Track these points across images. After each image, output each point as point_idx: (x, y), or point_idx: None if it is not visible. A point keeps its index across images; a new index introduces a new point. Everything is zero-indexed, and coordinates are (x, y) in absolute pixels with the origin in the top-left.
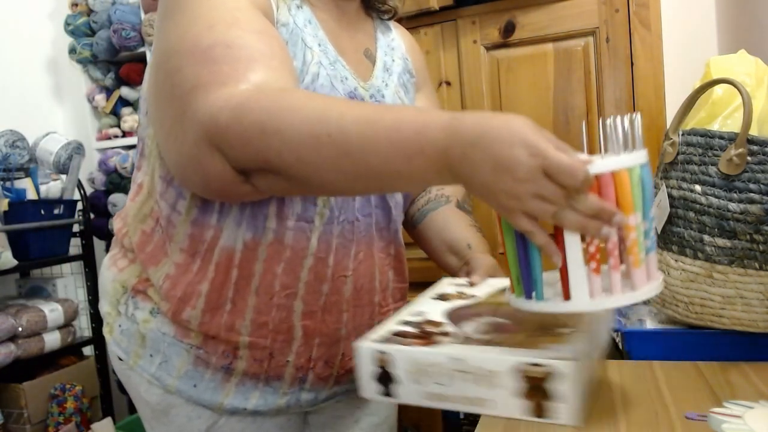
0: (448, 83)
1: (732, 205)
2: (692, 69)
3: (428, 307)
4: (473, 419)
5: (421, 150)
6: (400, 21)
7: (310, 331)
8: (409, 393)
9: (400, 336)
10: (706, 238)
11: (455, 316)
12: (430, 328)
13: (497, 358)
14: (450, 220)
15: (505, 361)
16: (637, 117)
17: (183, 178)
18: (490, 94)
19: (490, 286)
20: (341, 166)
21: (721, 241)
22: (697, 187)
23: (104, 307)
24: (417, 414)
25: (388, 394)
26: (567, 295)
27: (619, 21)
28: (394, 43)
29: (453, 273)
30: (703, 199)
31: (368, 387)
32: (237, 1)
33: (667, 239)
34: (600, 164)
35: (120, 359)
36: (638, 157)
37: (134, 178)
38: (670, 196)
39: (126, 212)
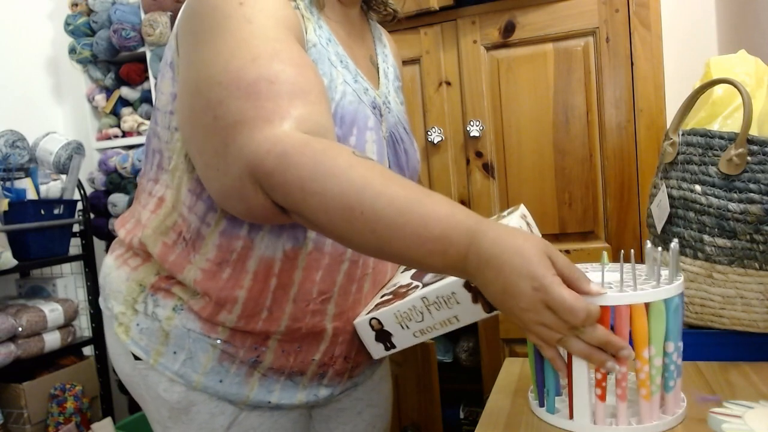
0: (448, 83)
1: (732, 205)
2: (692, 69)
3: (400, 278)
4: (473, 419)
5: (443, 251)
6: (399, 21)
7: (338, 331)
8: (403, 338)
9: (381, 304)
10: (706, 238)
11: (417, 275)
12: (402, 290)
13: (450, 283)
14: None
15: (456, 282)
16: (675, 245)
17: (226, 205)
18: (490, 94)
19: None
20: (367, 238)
21: (721, 241)
22: (697, 187)
23: (116, 308)
24: (417, 414)
25: (390, 346)
26: (571, 415)
27: (619, 21)
28: (387, 50)
29: None
30: (703, 199)
31: (375, 350)
32: (277, 30)
33: (667, 239)
34: (614, 297)
35: (138, 359)
36: (661, 292)
37: (149, 190)
38: (670, 196)
39: (139, 222)
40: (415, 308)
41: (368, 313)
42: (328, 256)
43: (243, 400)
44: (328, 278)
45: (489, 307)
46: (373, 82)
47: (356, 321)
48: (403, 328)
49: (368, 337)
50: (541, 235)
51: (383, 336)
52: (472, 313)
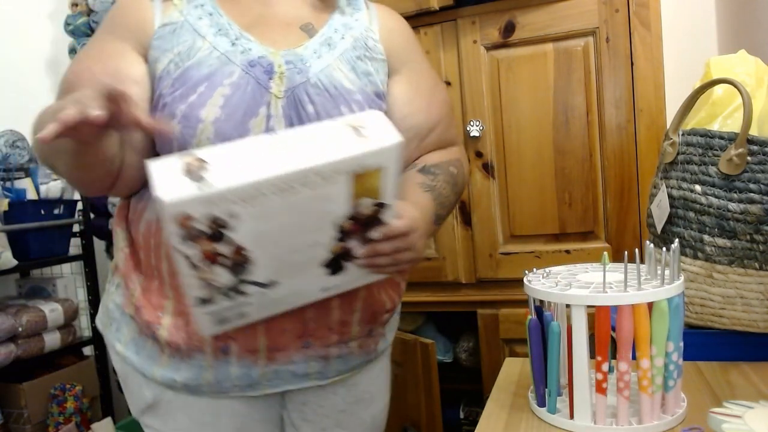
0: (448, 83)
1: (732, 205)
2: (692, 69)
3: None
4: (473, 419)
5: None
6: None
7: None
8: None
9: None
10: (706, 238)
11: None
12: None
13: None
14: (404, 182)
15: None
16: (676, 245)
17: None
18: (490, 94)
19: None
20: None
21: (721, 241)
22: (697, 187)
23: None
24: (417, 414)
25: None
26: (572, 414)
27: (619, 21)
28: (356, 23)
29: None
30: (703, 199)
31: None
32: (102, 32)
33: (667, 239)
34: (617, 297)
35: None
36: (663, 291)
37: None
38: (670, 196)
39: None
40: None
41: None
42: None
43: (152, 376)
44: None
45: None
46: (288, 44)
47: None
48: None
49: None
50: (397, 135)
51: (196, 174)
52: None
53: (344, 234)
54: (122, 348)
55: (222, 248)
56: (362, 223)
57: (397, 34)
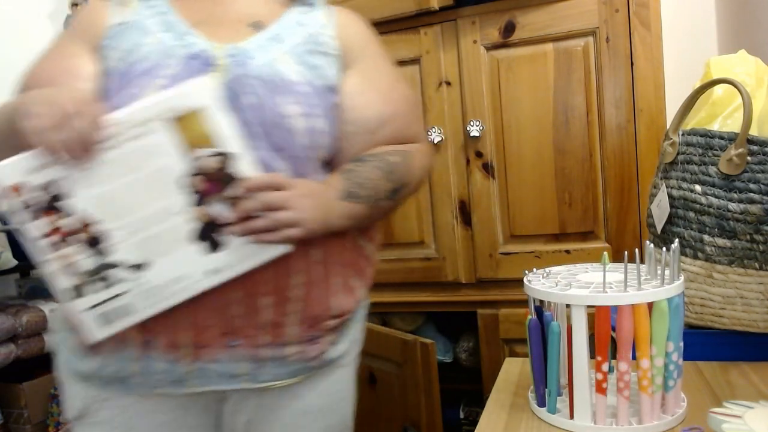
0: (448, 83)
1: (732, 205)
2: (692, 69)
3: None
4: (473, 419)
5: None
6: (399, 21)
7: None
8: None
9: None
10: (706, 238)
11: None
12: None
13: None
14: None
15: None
16: (676, 245)
17: None
18: (490, 94)
19: None
20: None
21: (721, 241)
22: (697, 187)
23: None
24: (417, 414)
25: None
26: (572, 414)
27: (619, 21)
28: (311, 21)
29: None
30: (703, 199)
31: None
32: (62, 36)
33: (667, 239)
34: (617, 297)
35: None
36: (663, 291)
37: None
38: (670, 196)
39: None
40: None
41: None
42: None
43: (80, 370)
44: None
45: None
46: (232, 39)
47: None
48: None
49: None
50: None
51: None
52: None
53: (201, 196)
54: (58, 351)
55: (67, 222)
56: (216, 181)
57: (354, 32)
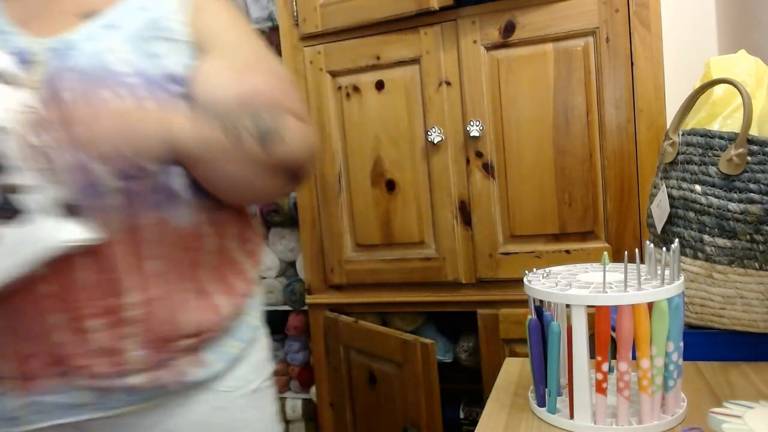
0: (448, 83)
1: (732, 205)
2: (692, 69)
3: None
4: (473, 419)
5: None
6: (399, 21)
7: None
8: None
9: None
10: (706, 238)
11: None
12: None
13: None
14: None
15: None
16: (676, 245)
17: None
18: (490, 94)
19: None
20: None
21: (721, 241)
22: (697, 187)
23: None
24: (417, 414)
25: None
26: (572, 414)
27: (619, 21)
28: (155, 5)
29: None
30: (703, 199)
31: None
32: None
33: (667, 239)
34: (617, 297)
35: None
36: (663, 291)
37: None
38: (670, 196)
39: None
40: None
41: None
42: None
43: None
44: None
45: None
46: (56, 33)
47: None
48: None
49: None
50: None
51: None
52: None
53: None
54: None
55: None
56: None
57: (212, 16)
